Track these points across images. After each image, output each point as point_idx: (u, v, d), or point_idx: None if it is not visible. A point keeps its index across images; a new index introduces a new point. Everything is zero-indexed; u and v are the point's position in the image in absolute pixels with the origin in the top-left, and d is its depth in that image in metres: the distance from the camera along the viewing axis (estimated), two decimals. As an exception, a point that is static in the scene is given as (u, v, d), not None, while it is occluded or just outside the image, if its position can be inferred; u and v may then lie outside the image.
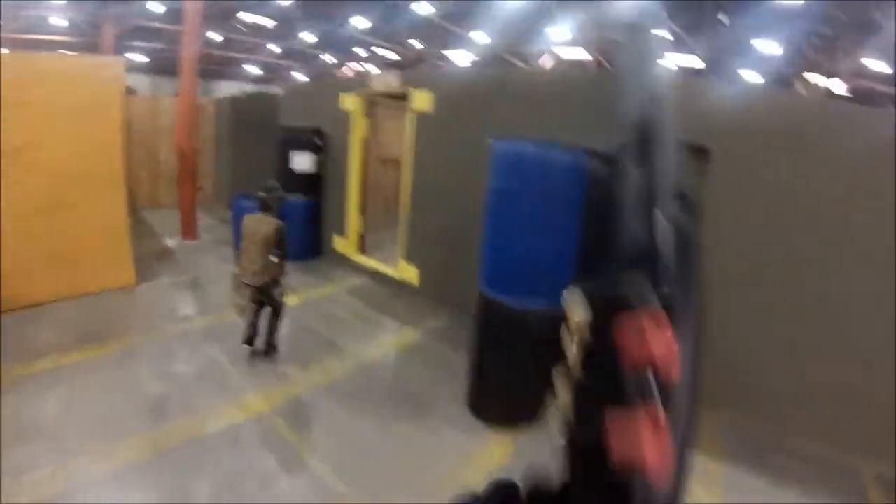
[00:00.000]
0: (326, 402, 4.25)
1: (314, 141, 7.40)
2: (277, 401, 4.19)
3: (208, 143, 11.42)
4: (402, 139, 10.26)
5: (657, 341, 0.68)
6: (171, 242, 8.47)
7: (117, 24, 18.96)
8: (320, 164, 7.59)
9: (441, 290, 6.15)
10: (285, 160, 7.20)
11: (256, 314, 4.75)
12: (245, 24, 21.11)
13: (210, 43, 22.35)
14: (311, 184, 7.60)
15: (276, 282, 4.64)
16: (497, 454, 3.73)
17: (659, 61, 0.86)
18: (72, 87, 5.44)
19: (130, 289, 6.26)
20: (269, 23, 20.36)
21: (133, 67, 24.59)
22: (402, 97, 7.64)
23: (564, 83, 5.22)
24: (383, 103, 8.36)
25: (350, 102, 7.10)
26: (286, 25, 21.00)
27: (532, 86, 5.25)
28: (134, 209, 10.66)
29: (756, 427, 4.22)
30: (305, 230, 7.37)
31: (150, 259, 7.45)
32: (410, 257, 6.51)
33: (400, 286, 6.71)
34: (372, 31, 20.94)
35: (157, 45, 21.92)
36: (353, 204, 7.38)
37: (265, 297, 4.66)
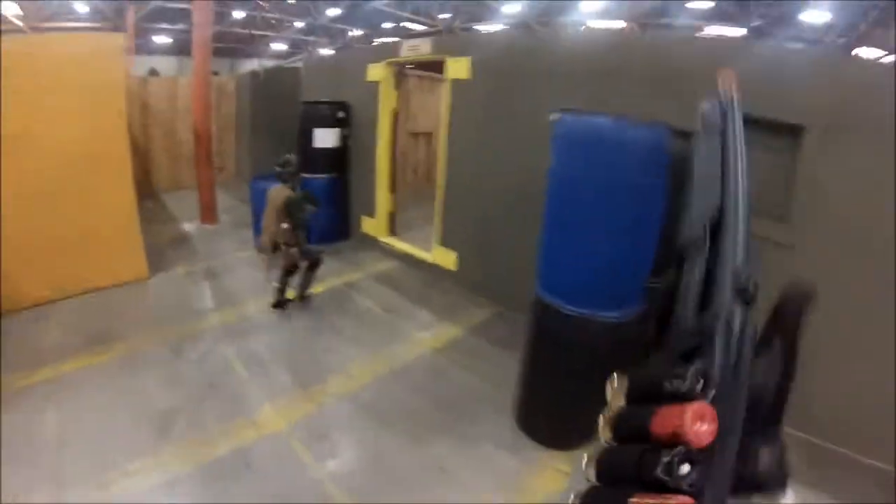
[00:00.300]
0: (350, 414, 3.68)
1: (338, 115, 6.72)
2: (295, 415, 3.64)
3: (229, 121, 10.88)
4: (434, 111, 9.79)
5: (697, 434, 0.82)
6: (189, 227, 7.98)
7: (139, 6, 18.58)
8: (345, 140, 6.92)
9: (483, 278, 5.47)
10: (308, 137, 6.54)
11: (284, 279, 5.15)
12: (268, 1, 20.57)
13: (233, 21, 21.88)
14: (336, 161, 6.94)
15: (288, 247, 4.92)
16: (550, 481, 3.12)
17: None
18: (67, 67, 4.87)
19: (143, 281, 5.78)
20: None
21: (158, 49, 24.34)
22: (433, 67, 6.93)
23: (623, 47, 4.40)
24: (413, 74, 7.65)
25: (378, 73, 6.39)
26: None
27: (585, 50, 4.45)
28: (154, 192, 10.29)
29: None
30: (331, 211, 6.70)
31: (165, 246, 6.99)
32: (446, 240, 5.86)
33: (435, 272, 6.06)
34: (398, 5, 20.14)
35: (182, 26, 21.50)
36: (382, 182, 6.72)
37: (287, 260, 5.01)
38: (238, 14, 21.41)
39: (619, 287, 3.04)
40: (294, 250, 4.95)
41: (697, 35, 13.84)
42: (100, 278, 5.39)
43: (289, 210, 4.77)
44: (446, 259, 5.83)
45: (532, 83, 4.61)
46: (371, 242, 7.08)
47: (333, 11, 22.17)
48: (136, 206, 5.67)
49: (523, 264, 4.70)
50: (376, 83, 6.44)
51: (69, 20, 19.22)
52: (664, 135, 2.82)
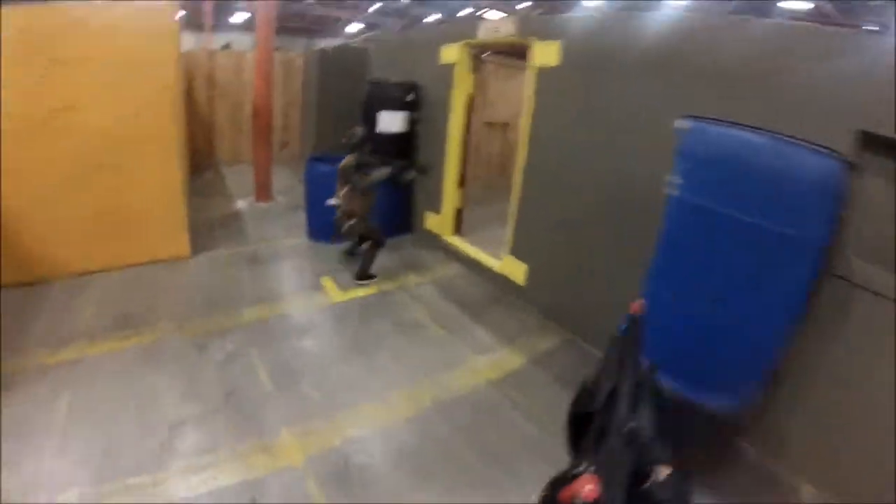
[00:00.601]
0: (381, 454, 3.02)
1: (407, 98, 6.01)
2: (316, 446, 3.03)
3: (297, 97, 10.45)
4: (513, 100, 8.97)
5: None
6: (241, 204, 7.55)
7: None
8: (413, 126, 6.22)
9: (554, 297, 4.67)
10: (371, 119, 5.86)
11: (357, 244, 5.48)
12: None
13: (310, 2, 21.75)
14: (402, 148, 6.21)
15: (352, 214, 5.02)
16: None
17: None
18: (114, 38, 4.57)
19: (184, 260, 5.48)
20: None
21: (236, 27, 24.58)
22: (513, 53, 6.12)
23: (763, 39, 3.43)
24: (491, 59, 6.85)
25: (453, 54, 5.64)
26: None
27: (712, 41, 3.50)
28: (215, 164, 10.02)
29: None
30: (391, 202, 6.02)
31: (214, 223, 6.58)
32: (518, 249, 5.07)
33: (501, 284, 5.29)
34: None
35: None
36: (450, 175, 5.98)
37: (350, 229, 5.11)
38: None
39: (742, 367, 2.21)
40: (354, 222, 5.01)
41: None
42: (140, 254, 5.22)
43: (343, 173, 4.93)
44: (516, 271, 5.05)
45: (635, 75, 3.73)
46: (433, 240, 6.39)
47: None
48: (181, 184, 5.31)
49: (605, 289, 4.07)
50: (450, 66, 5.69)
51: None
52: (841, 170, 1.95)
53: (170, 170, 5.11)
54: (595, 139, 4.09)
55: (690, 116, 2.27)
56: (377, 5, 23.70)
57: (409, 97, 6.00)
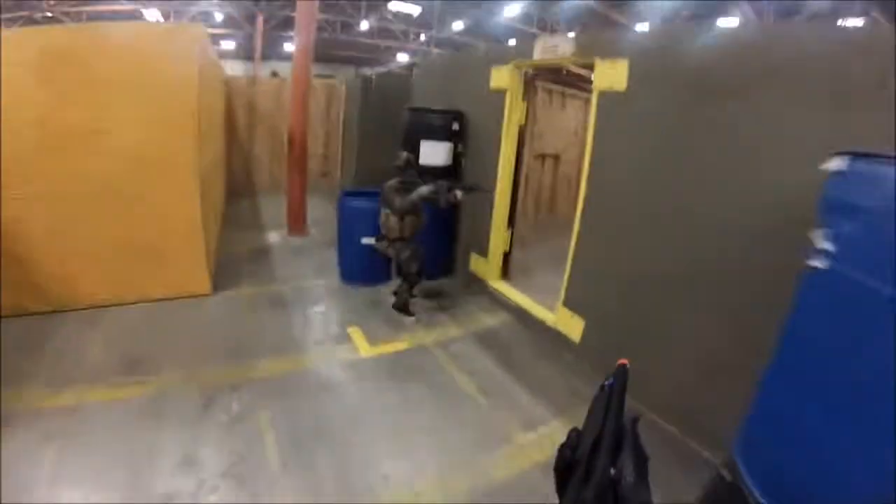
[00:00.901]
0: None
1: (452, 127, 5.48)
2: None
3: (338, 126, 10.17)
4: (563, 130, 8.44)
5: None
6: (273, 237, 7.15)
7: (269, 15, 19.11)
8: (458, 158, 5.67)
9: (616, 361, 3.94)
10: (413, 150, 5.35)
11: (398, 273, 5.02)
12: (394, 14, 20.40)
13: (359, 32, 21.94)
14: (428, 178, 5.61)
15: (396, 239, 4.76)
16: None
17: None
18: (136, 61, 4.26)
19: (204, 297, 5.06)
20: (415, 10, 19.37)
21: (286, 55, 25.06)
22: (569, 77, 5.56)
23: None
24: (541, 85, 6.29)
25: (503, 80, 5.10)
26: (433, 13, 19.85)
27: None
28: (254, 192, 9.77)
29: None
30: (433, 241, 5.38)
31: (242, 258, 6.16)
32: (574, 301, 4.40)
33: (553, 338, 4.61)
34: (525, 18, 18.99)
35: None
36: (499, 214, 5.39)
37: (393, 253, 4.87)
38: (364, 25, 21.39)
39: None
40: (397, 246, 4.76)
41: None
42: (158, 289, 4.85)
43: (385, 196, 4.68)
44: (571, 327, 4.37)
45: (740, 97, 3.07)
46: (478, 285, 5.76)
47: (458, 25, 21.50)
48: (200, 218, 4.83)
49: (688, 364, 3.43)
50: (501, 92, 5.14)
51: (206, 27, 20.20)
52: None
53: (190, 203, 4.73)
54: (675, 180, 3.44)
55: (848, 153, 1.61)
56: (426, 36, 23.75)
57: (454, 127, 5.46)
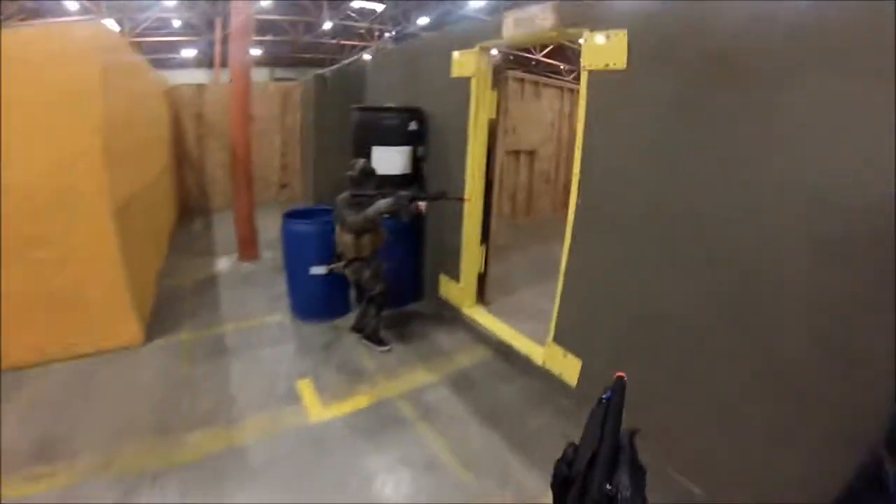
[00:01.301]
0: None
1: (409, 127, 4.49)
2: None
3: (295, 133, 9.12)
4: (540, 123, 7.50)
5: None
6: (223, 263, 6.12)
7: (228, 20, 17.82)
8: (419, 164, 4.69)
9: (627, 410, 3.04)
10: (366, 157, 4.34)
11: (358, 299, 4.34)
12: (357, 11, 19.25)
13: (322, 32, 20.75)
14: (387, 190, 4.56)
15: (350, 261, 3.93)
16: None
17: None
18: (27, 71, 3.28)
19: (134, 348, 4.05)
20: (378, 6, 18.26)
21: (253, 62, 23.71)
22: (541, 64, 4.60)
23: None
24: (511, 75, 5.33)
25: (468, 65, 4.12)
26: (398, 8, 18.76)
27: None
28: (208, 210, 8.70)
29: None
30: (395, 261, 4.28)
31: (185, 293, 5.19)
32: (567, 338, 3.45)
33: (546, 379, 3.65)
34: (492, 9, 18.01)
35: (270, 38, 20.65)
36: (470, 228, 4.42)
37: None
38: (327, 25, 20.20)
39: None
40: (354, 267, 3.91)
41: None
42: (83, 343, 3.88)
43: (337, 211, 3.86)
44: (565, 367, 3.44)
45: (770, 81, 2.14)
46: (451, 311, 4.78)
47: (424, 20, 20.42)
48: (118, 258, 3.85)
49: (711, 416, 2.53)
50: (465, 80, 4.17)
51: (164, 35, 18.84)
52: None
53: (104, 242, 3.73)
54: (702, 182, 2.48)
55: None
56: (390, 34, 22.61)
57: (411, 126, 4.46)
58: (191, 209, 8.51)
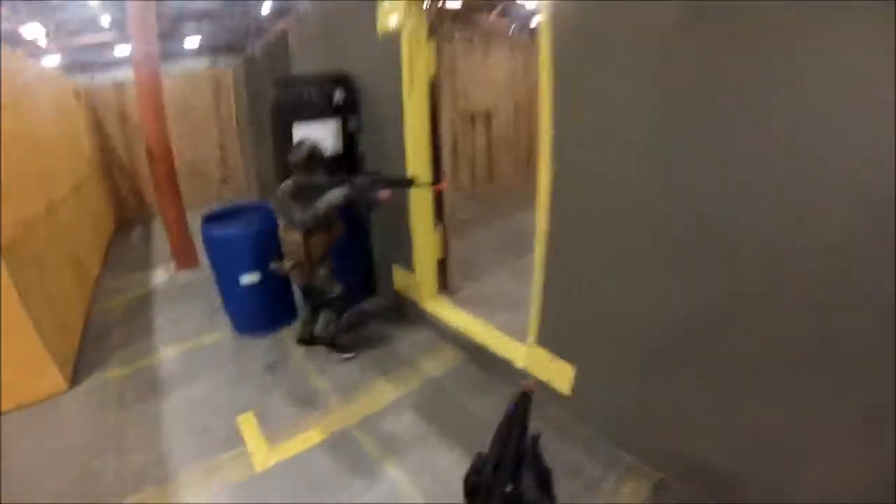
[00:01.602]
0: None
1: (335, 99, 3.71)
2: None
3: (231, 121, 8.21)
4: (493, 81, 6.69)
5: None
6: (158, 277, 5.35)
7: (160, 13, 16.26)
8: (352, 140, 3.90)
9: (630, 421, 2.46)
10: (286, 139, 3.57)
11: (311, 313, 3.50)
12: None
13: (264, 17, 19.31)
14: (339, 178, 3.66)
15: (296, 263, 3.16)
16: None
17: None
18: None
19: (58, 395, 3.37)
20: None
21: (189, 53, 22.06)
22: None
23: None
24: (460, 16, 4.52)
25: (394, 15, 3.33)
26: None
27: None
28: (147, 217, 7.81)
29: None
30: (341, 254, 3.42)
31: (115, 318, 4.45)
32: (553, 340, 2.78)
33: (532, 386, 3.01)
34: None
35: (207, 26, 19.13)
36: (420, 207, 3.70)
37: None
38: (266, 8, 18.75)
39: None
40: (304, 268, 3.15)
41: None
42: (7, 398, 3.22)
43: (280, 206, 3.11)
44: (553, 373, 2.76)
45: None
46: (411, 306, 4.04)
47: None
48: (17, 300, 3.05)
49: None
50: (394, 36, 3.39)
51: (94, 32, 17.26)
52: None
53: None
54: (719, 154, 1.76)
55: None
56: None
57: (338, 97, 3.66)
58: (130, 218, 7.61)
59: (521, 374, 2.92)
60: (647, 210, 2.07)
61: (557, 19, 2.22)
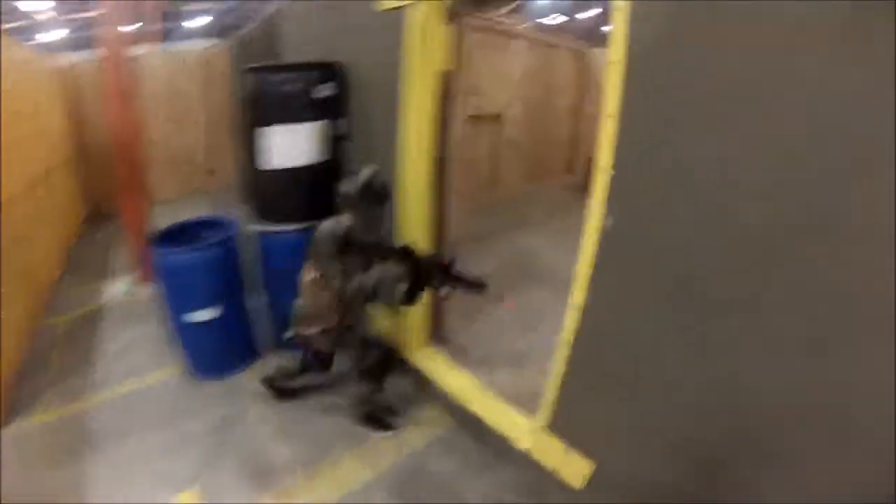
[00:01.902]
0: None
1: (317, 94, 2.93)
2: None
3: (224, 107, 7.42)
4: (506, 79, 5.89)
5: None
6: (117, 289, 4.60)
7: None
8: (337, 145, 3.13)
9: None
10: (254, 144, 2.81)
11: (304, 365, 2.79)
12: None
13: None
14: (319, 194, 2.90)
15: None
16: None
17: None
18: None
19: None
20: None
21: (194, 31, 21.16)
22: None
23: None
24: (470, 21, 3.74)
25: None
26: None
27: None
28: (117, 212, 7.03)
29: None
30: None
31: (56, 341, 3.73)
32: (570, 427, 2.08)
33: (532, 466, 2.25)
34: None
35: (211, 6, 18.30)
36: (414, 236, 2.93)
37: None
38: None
39: None
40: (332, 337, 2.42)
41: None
42: None
43: (318, 254, 2.34)
44: (566, 465, 2.06)
45: None
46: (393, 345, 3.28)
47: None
48: None
49: None
50: (398, 13, 2.63)
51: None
52: None
53: None
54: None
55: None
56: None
57: (323, 91, 2.91)
58: (100, 211, 6.80)
59: (523, 456, 2.22)
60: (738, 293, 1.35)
61: (649, 22, 1.47)
